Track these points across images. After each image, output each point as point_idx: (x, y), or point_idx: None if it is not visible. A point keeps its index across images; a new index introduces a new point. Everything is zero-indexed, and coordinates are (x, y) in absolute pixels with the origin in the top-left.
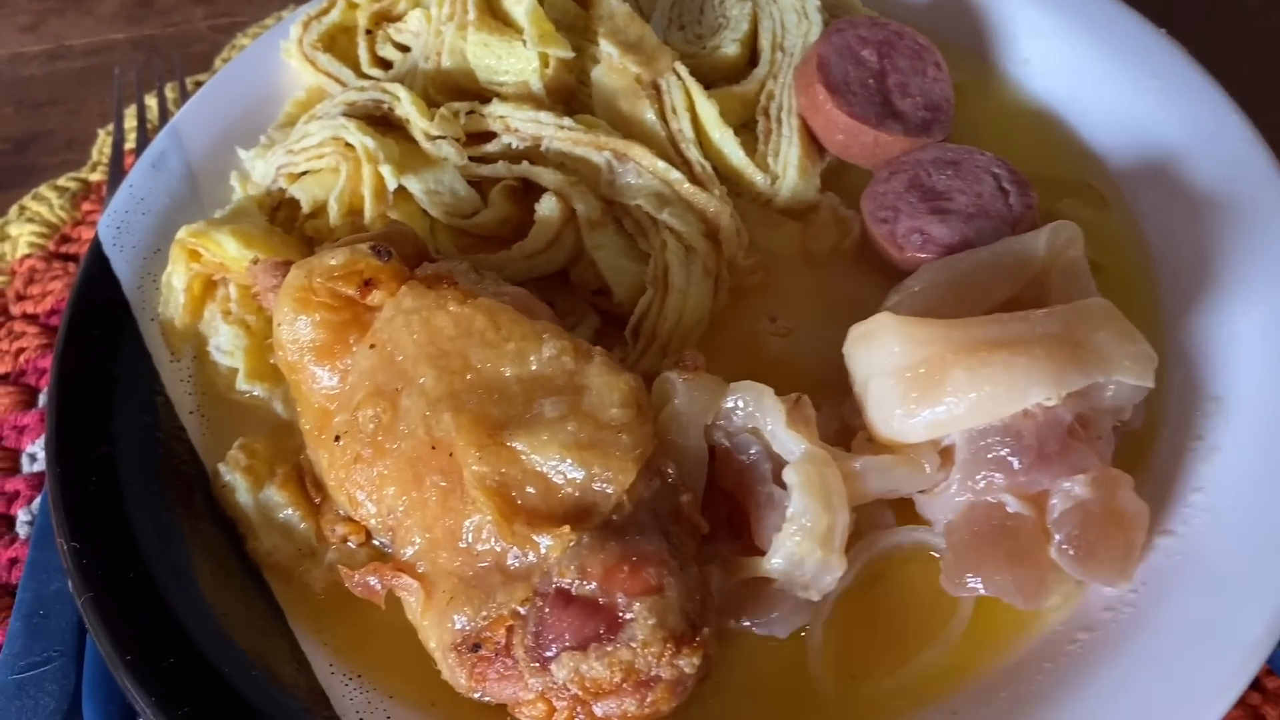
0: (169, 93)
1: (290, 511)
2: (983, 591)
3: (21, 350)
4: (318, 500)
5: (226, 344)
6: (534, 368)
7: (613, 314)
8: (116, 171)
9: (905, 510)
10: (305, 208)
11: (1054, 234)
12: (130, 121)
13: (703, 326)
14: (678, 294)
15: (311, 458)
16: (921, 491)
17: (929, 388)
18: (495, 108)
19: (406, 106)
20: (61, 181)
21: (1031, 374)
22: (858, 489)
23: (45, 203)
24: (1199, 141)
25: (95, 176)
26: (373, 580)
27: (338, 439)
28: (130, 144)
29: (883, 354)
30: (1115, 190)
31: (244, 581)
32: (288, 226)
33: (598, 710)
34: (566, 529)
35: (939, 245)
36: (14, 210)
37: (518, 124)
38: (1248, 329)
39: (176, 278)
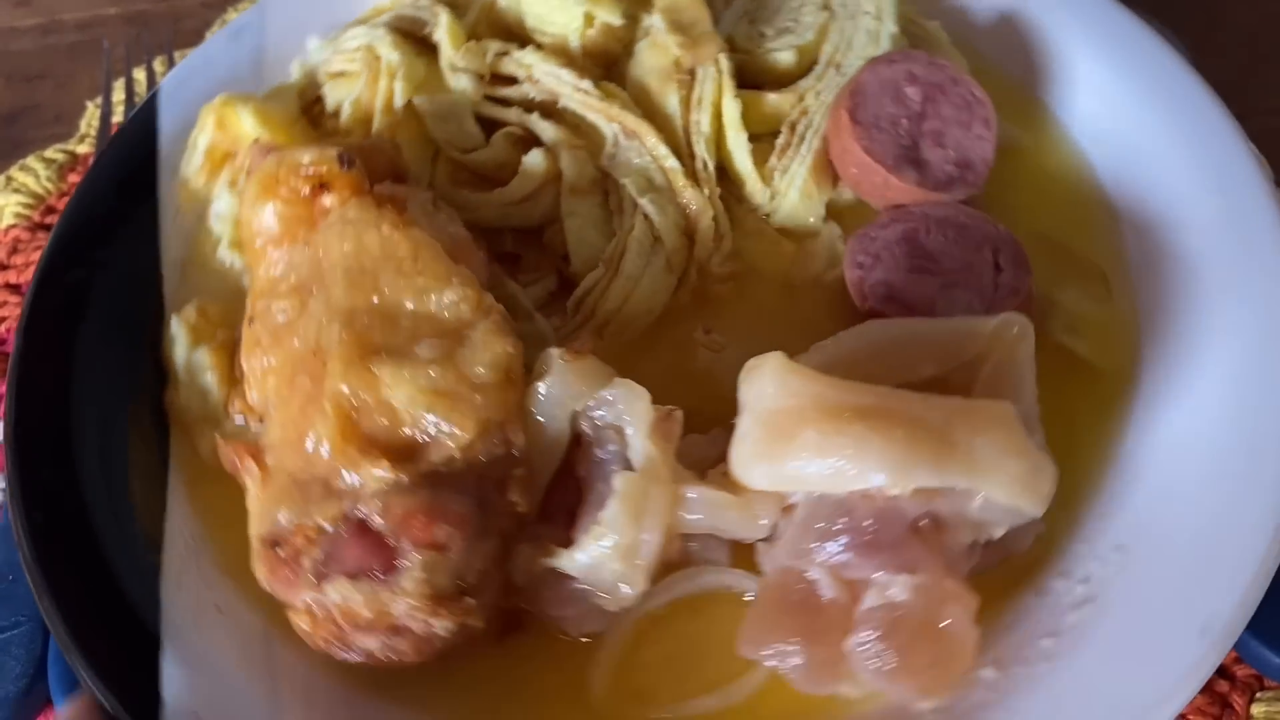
0: (158, 66)
1: (211, 376)
2: (771, 664)
3: (2, 319)
4: (238, 375)
5: (223, 210)
6: (431, 307)
7: (572, 283)
8: (103, 143)
9: (746, 554)
10: (329, 107)
11: (1002, 325)
12: (119, 94)
13: (651, 317)
14: (626, 279)
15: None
16: (764, 540)
17: (779, 439)
18: (524, 55)
19: (441, 32)
20: (49, 153)
21: (880, 456)
22: (681, 518)
23: (32, 174)
24: (1234, 273)
25: (82, 149)
26: (233, 456)
27: (251, 321)
28: (118, 117)
29: (757, 393)
30: (1129, 285)
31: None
32: (316, 122)
33: (349, 639)
34: (386, 464)
35: (901, 305)
36: (0, 181)
37: (539, 75)
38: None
39: (202, 139)
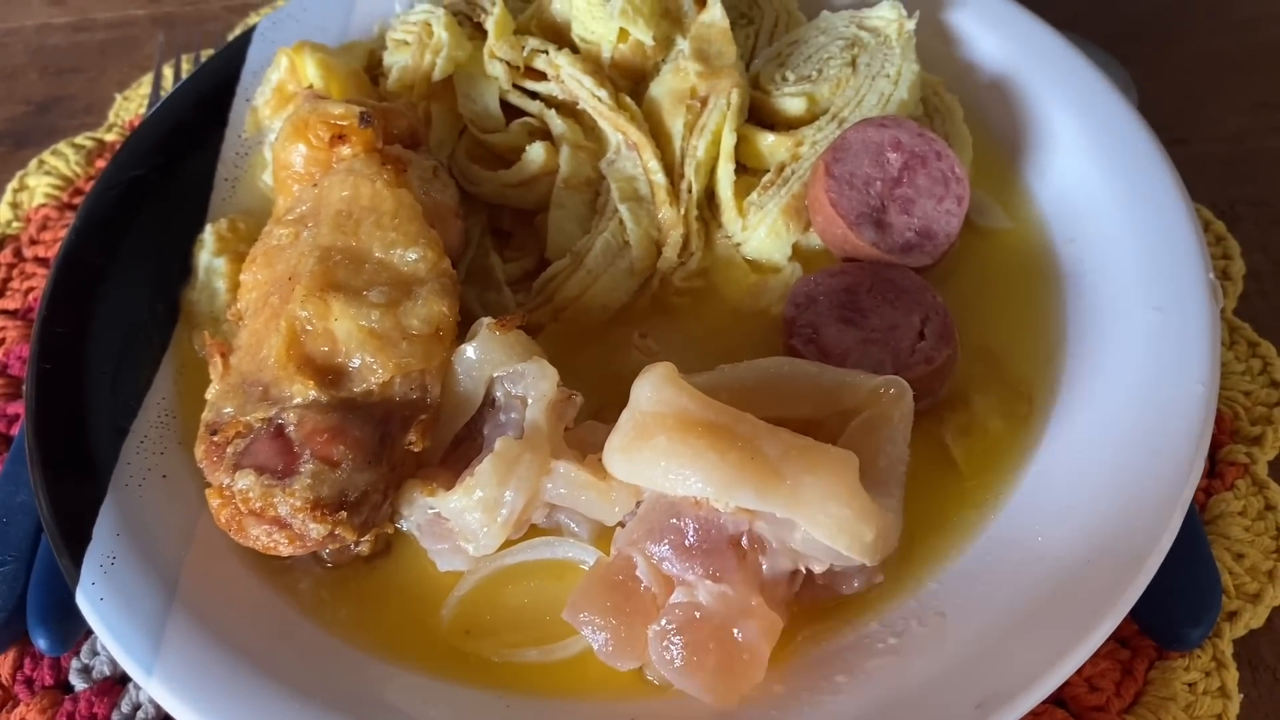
0: (185, 65)
1: (222, 283)
2: (584, 632)
3: (31, 289)
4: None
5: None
6: (394, 260)
7: (547, 265)
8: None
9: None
10: (385, 69)
11: (883, 384)
12: (145, 88)
13: (607, 313)
14: (586, 273)
15: None
16: (620, 524)
17: (638, 438)
18: (556, 55)
19: (491, 21)
20: (79, 140)
21: (709, 471)
22: (545, 487)
23: (63, 158)
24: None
25: (110, 137)
26: (208, 346)
27: (259, 240)
28: (142, 109)
29: (640, 393)
30: (1049, 412)
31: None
32: (376, 80)
33: (243, 524)
34: (313, 384)
35: (819, 349)
36: (33, 164)
37: (565, 76)
38: None
39: (274, 75)
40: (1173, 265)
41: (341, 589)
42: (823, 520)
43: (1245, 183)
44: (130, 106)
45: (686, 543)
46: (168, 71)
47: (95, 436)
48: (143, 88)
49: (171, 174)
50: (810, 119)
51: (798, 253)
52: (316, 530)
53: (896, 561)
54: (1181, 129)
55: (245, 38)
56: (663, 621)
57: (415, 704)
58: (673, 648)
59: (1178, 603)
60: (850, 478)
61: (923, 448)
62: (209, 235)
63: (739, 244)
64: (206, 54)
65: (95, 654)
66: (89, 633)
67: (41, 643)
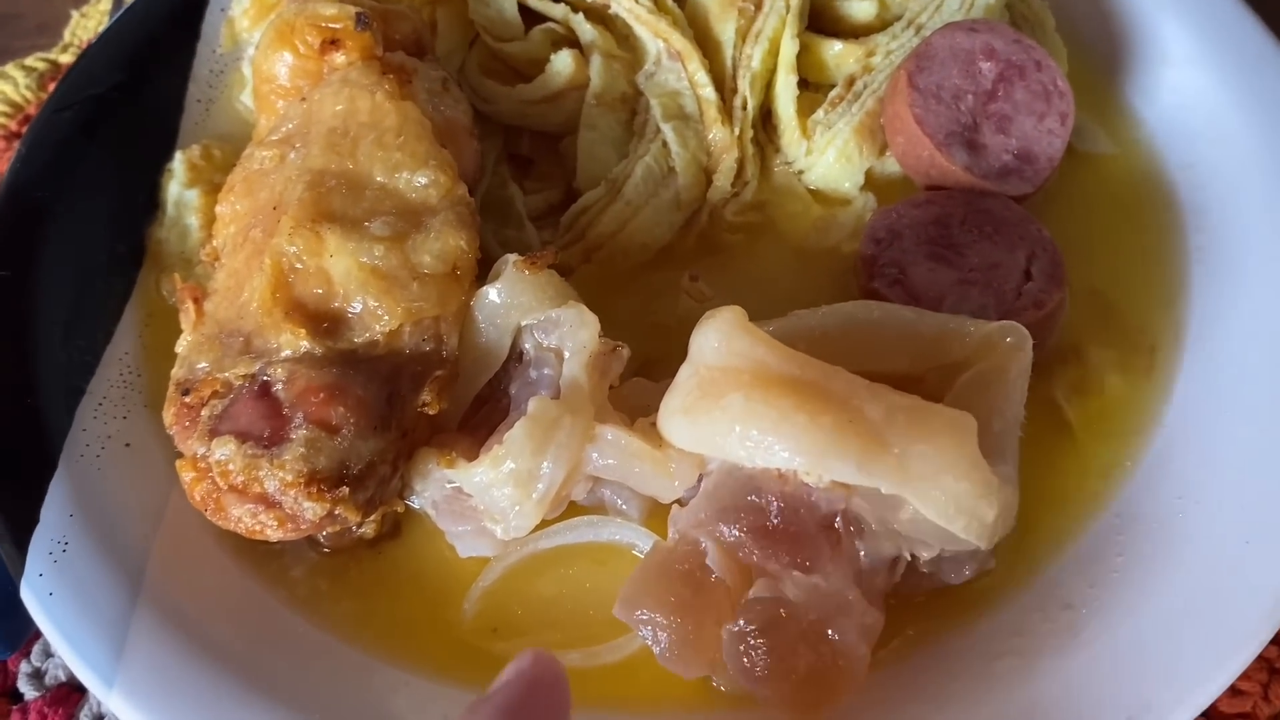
0: None
1: (195, 219)
2: (640, 633)
3: None
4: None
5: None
6: (399, 184)
7: (576, 197)
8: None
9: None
10: None
11: (996, 332)
12: (105, 3)
13: (648, 253)
14: (625, 205)
15: None
16: (679, 503)
17: (706, 398)
18: None
19: None
20: (29, 61)
21: (798, 437)
22: (591, 457)
23: (11, 82)
24: None
25: (65, 58)
26: (179, 290)
27: (238, 165)
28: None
29: (701, 345)
30: (1174, 365)
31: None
32: None
33: (222, 503)
34: (304, 333)
35: (907, 292)
36: None
37: None
38: None
39: None
40: None
41: (342, 579)
42: (936, 497)
43: None
44: (89, 25)
45: (768, 525)
46: None
47: (44, 398)
48: (103, 3)
49: (135, 94)
50: (882, 26)
51: (870, 181)
52: (312, 510)
53: (1010, 543)
54: None
55: None
56: (741, 620)
57: (430, 717)
58: (754, 652)
59: None
60: (970, 446)
61: (1030, 408)
62: (179, 164)
63: (802, 171)
64: None
65: (49, 656)
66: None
67: None
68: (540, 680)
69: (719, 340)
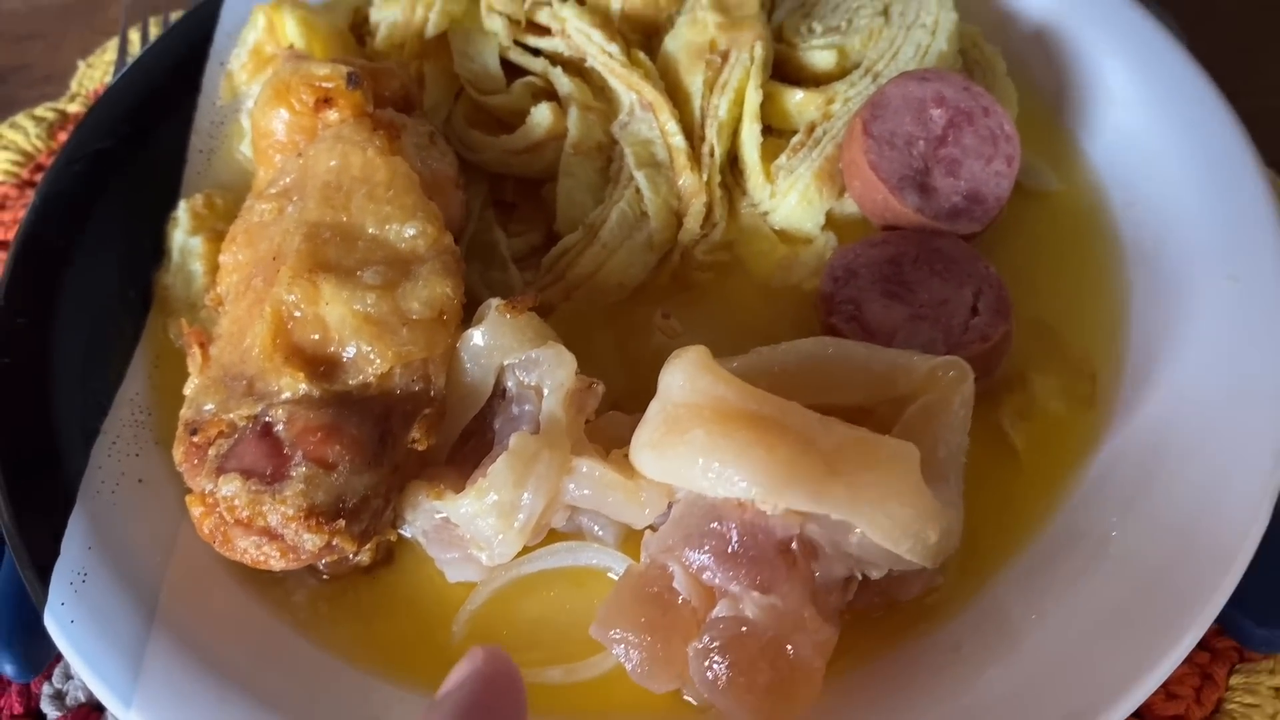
0: (152, 27)
1: (199, 265)
2: (614, 651)
3: None
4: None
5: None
6: (389, 235)
7: (557, 239)
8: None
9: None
10: (372, 26)
11: (940, 366)
12: (111, 54)
13: (624, 291)
14: (601, 248)
15: None
16: (651, 527)
17: (672, 432)
18: (561, 8)
19: None
20: (39, 111)
21: (755, 469)
22: (568, 488)
23: (21, 131)
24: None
25: (73, 108)
26: (185, 335)
27: (239, 217)
28: (108, 78)
29: (670, 382)
30: (1114, 392)
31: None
32: (362, 40)
33: (229, 535)
34: (303, 376)
35: (862, 327)
36: None
37: (571, 31)
38: None
39: (251, 36)
40: (1247, 229)
41: (340, 602)
42: (881, 522)
43: None
44: (94, 75)
45: (729, 549)
46: (134, 36)
47: (62, 438)
48: (108, 54)
49: (141, 146)
50: (841, 74)
51: (831, 221)
52: (311, 541)
53: (957, 562)
54: (1231, 81)
55: (212, 3)
56: (705, 638)
57: None
58: (717, 666)
59: (1263, 598)
60: (912, 473)
61: (978, 434)
62: (183, 212)
63: (767, 213)
64: (176, 15)
65: (69, 678)
66: (62, 655)
67: (9, 668)
68: (495, 677)
69: (684, 378)
